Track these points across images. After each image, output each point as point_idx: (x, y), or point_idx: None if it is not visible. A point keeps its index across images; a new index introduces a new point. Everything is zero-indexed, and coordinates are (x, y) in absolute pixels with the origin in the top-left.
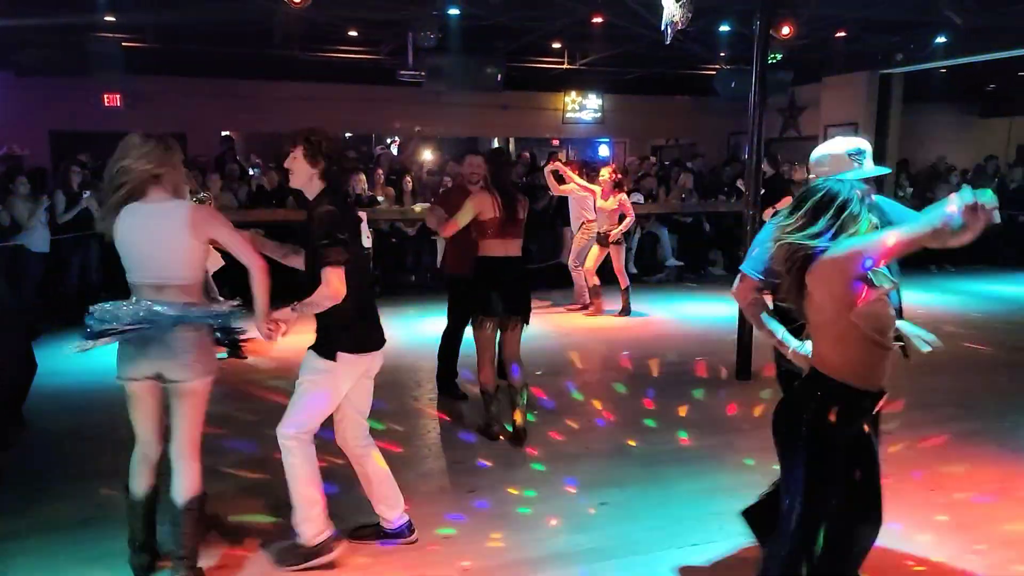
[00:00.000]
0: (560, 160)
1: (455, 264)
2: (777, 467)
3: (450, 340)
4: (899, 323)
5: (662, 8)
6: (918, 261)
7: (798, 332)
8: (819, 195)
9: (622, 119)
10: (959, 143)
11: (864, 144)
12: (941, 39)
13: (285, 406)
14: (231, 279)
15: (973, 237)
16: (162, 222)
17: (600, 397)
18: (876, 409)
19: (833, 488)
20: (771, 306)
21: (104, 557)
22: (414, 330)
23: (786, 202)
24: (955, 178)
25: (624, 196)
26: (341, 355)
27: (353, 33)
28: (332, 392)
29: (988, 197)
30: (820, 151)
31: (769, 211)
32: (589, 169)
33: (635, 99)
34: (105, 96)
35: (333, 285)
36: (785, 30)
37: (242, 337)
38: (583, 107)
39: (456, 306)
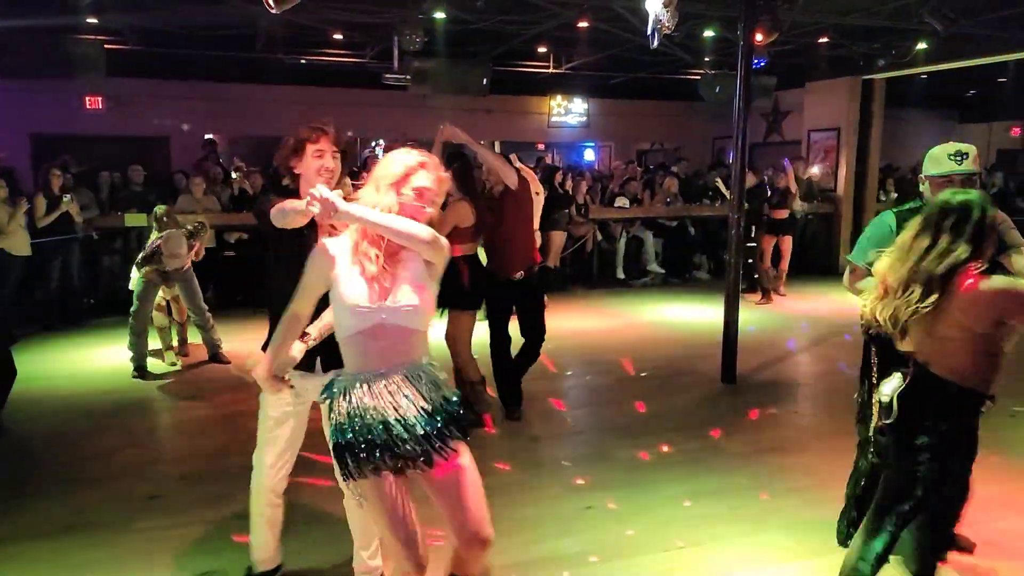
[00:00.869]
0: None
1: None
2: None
3: (501, 350)
4: None
5: (648, 12)
6: None
7: (896, 361)
8: (956, 215)
9: (607, 123)
10: None
11: (967, 147)
12: (922, 46)
13: None
14: (225, 279)
15: None
16: None
17: (585, 401)
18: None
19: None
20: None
21: (88, 564)
22: None
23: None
24: None
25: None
26: None
27: (338, 36)
28: None
29: None
30: (931, 152)
31: None
32: (575, 173)
33: (620, 103)
34: (87, 99)
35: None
36: (759, 36)
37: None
38: (568, 111)
39: (494, 310)
